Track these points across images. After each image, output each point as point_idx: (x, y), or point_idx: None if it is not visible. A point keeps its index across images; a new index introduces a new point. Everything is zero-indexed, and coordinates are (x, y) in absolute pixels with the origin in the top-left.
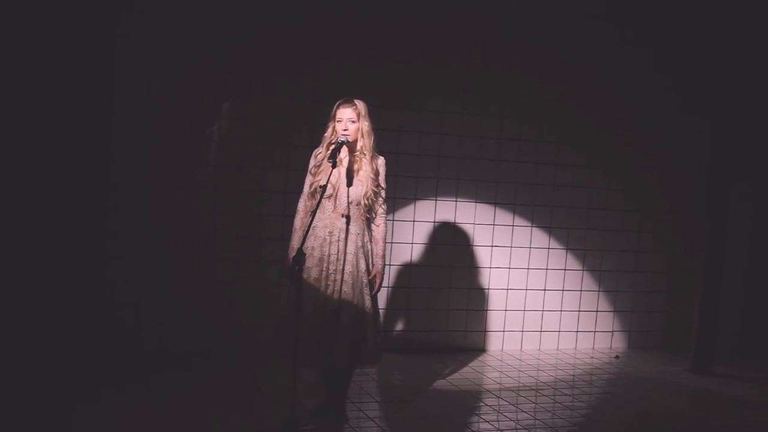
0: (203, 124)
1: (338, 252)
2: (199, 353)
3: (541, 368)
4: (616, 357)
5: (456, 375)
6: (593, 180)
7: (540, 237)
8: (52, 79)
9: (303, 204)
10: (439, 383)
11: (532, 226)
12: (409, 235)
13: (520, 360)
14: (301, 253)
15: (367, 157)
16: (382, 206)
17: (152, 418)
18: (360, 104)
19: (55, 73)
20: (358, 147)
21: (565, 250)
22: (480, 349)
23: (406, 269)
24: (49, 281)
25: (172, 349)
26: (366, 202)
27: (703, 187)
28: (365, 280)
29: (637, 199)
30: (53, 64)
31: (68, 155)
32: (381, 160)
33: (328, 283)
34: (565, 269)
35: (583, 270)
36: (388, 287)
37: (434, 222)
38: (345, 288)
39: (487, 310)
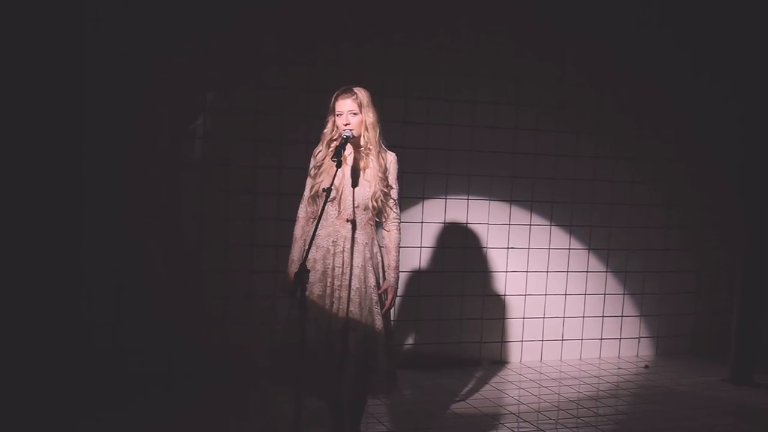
0: (186, 119)
1: (343, 265)
2: (184, 375)
3: (563, 382)
4: (646, 367)
5: (473, 394)
6: (616, 173)
7: (560, 236)
8: (7, 67)
9: (303, 210)
10: (456, 406)
11: (551, 225)
12: (417, 237)
13: (540, 373)
14: (304, 269)
15: (374, 152)
16: (394, 209)
17: None
18: (361, 93)
19: (15, 63)
20: (363, 142)
21: (587, 251)
22: (497, 361)
23: (415, 276)
24: (17, 299)
25: (155, 371)
26: (374, 204)
27: (736, 178)
28: (374, 297)
29: (664, 192)
30: (12, 52)
31: (34, 158)
32: (391, 156)
33: (333, 300)
34: (587, 271)
35: (606, 272)
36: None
37: (444, 223)
38: (352, 307)
39: (503, 318)
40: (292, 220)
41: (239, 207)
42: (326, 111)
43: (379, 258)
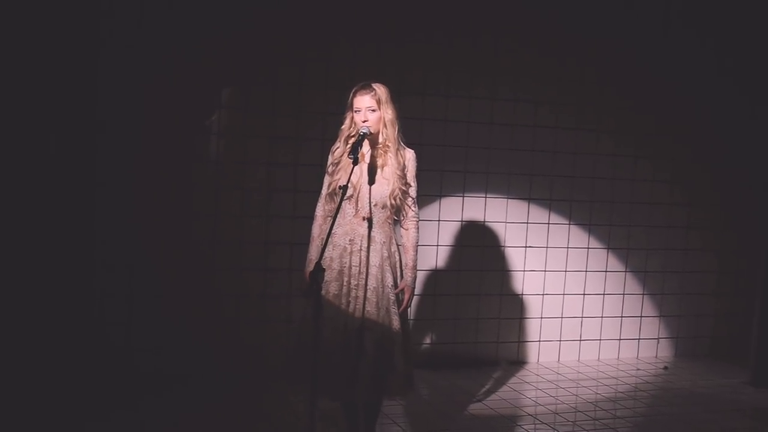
0: (201, 115)
1: (360, 264)
2: (197, 375)
3: (581, 383)
4: (665, 368)
5: (490, 395)
6: (636, 171)
7: (578, 235)
8: (21, 64)
9: (321, 208)
10: (473, 407)
11: (569, 224)
12: (434, 236)
13: (557, 373)
14: (319, 269)
15: (392, 149)
16: (413, 207)
17: None
18: (380, 89)
19: (25, 57)
20: (381, 139)
21: (606, 250)
22: (514, 362)
23: (431, 275)
24: (29, 297)
25: (167, 371)
26: (393, 202)
27: (759, 179)
28: (392, 297)
29: (685, 192)
30: (22, 46)
31: (48, 156)
32: (410, 154)
33: (349, 299)
34: (606, 271)
35: (625, 271)
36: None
37: (461, 221)
38: (368, 307)
39: (521, 318)
40: (308, 217)
41: (254, 204)
42: (343, 108)
43: (397, 257)
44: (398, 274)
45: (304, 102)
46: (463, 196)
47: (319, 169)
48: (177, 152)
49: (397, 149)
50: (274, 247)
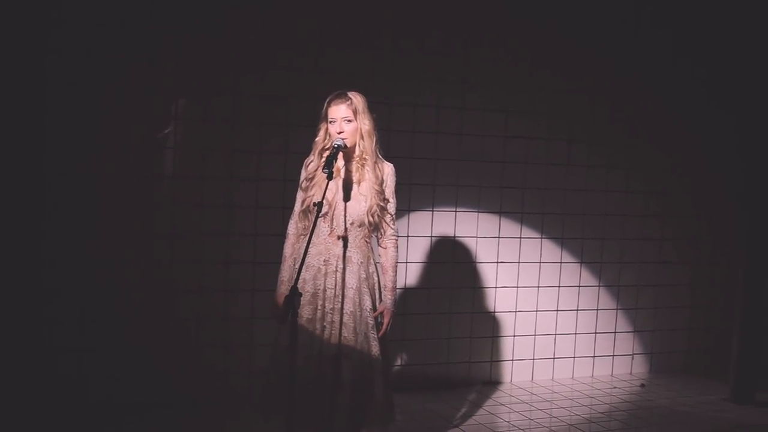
0: (156, 128)
1: (336, 286)
2: (156, 405)
3: (556, 403)
4: (642, 386)
5: (465, 419)
6: (609, 182)
7: (551, 249)
8: None
9: (294, 226)
10: None
11: (541, 238)
12: (402, 252)
13: (532, 393)
14: (295, 293)
15: (370, 163)
16: (391, 225)
17: None
18: (357, 98)
19: None
20: (357, 152)
21: (579, 264)
22: (487, 382)
23: (401, 293)
24: None
25: (123, 400)
26: (370, 220)
27: (734, 189)
28: (371, 321)
29: (659, 202)
30: None
31: None
32: (388, 168)
33: (324, 324)
34: (579, 286)
35: (599, 286)
36: None
37: (431, 236)
38: (345, 332)
39: (493, 336)
40: (271, 234)
41: (214, 221)
42: (306, 119)
43: (376, 278)
44: (377, 296)
45: (267, 113)
46: (433, 211)
47: (281, 183)
48: (131, 167)
49: (375, 162)
50: (235, 267)
